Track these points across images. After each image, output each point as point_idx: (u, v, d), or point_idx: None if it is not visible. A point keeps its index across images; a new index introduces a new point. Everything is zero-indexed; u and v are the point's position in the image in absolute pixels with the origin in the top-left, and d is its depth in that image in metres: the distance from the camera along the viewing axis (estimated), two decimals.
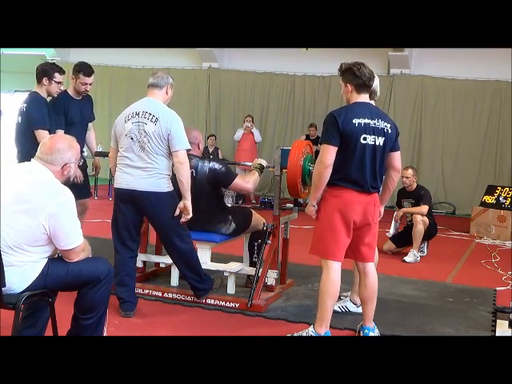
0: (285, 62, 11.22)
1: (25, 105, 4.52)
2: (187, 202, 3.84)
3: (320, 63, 10.76)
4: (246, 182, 4.32)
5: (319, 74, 11.16)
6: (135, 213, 3.94)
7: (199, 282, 4.12)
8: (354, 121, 3.28)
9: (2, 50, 12.27)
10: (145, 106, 3.86)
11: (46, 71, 4.54)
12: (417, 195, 6.39)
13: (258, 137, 10.37)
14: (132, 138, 3.81)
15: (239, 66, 11.74)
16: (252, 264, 4.52)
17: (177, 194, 3.94)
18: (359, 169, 3.32)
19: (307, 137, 9.86)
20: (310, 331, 3.43)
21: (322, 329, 3.40)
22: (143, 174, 3.81)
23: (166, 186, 3.86)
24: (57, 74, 4.55)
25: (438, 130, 10.69)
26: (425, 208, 6.26)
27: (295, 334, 3.51)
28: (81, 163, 4.38)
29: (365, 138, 3.30)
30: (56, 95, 4.61)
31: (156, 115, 3.79)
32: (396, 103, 10.77)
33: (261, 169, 4.47)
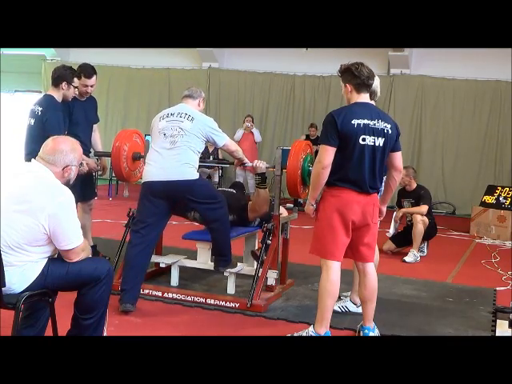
0: (285, 62, 11.21)
1: (40, 108, 4.47)
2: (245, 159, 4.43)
3: (320, 63, 10.75)
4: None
5: (319, 74, 11.15)
6: (165, 206, 4.07)
7: (224, 255, 4.26)
8: (353, 121, 3.28)
9: (2, 49, 12.27)
10: (180, 109, 4.15)
11: (66, 76, 4.50)
12: (416, 195, 6.39)
13: (258, 137, 10.36)
14: (165, 134, 4.03)
15: (239, 66, 11.73)
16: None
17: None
18: (358, 169, 3.32)
19: (307, 137, 9.85)
20: (310, 331, 3.43)
21: (322, 329, 3.40)
22: (174, 164, 3.97)
23: (195, 174, 4.05)
24: (75, 79, 4.54)
25: (437, 129, 10.69)
26: (424, 208, 6.27)
27: (295, 334, 3.51)
28: (83, 166, 4.38)
29: (364, 139, 3.30)
30: (70, 99, 4.60)
31: (192, 115, 4.08)
32: (396, 103, 10.76)
33: (263, 180, 4.47)
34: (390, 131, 3.38)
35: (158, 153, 4.03)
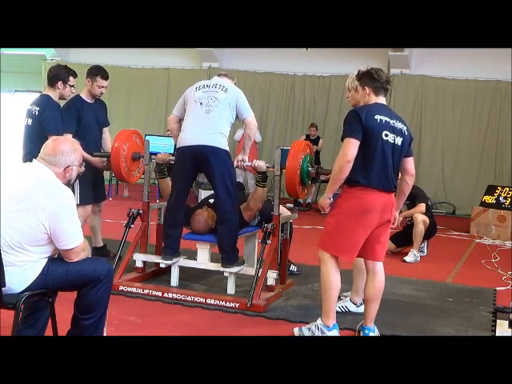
0: (285, 62, 11.21)
1: (37, 108, 4.48)
2: (245, 158, 4.54)
3: (320, 63, 10.77)
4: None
5: (319, 74, 11.16)
6: (192, 170, 4.37)
7: (229, 252, 4.33)
8: (375, 117, 3.31)
9: (2, 49, 12.27)
10: (215, 81, 4.44)
11: (62, 75, 4.52)
12: (410, 195, 6.34)
13: (257, 137, 10.34)
14: (201, 103, 4.29)
15: (239, 66, 11.73)
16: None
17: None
18: (382, 166, 3.33)
19: (307, 137, 9.84)
20: (318, 323, 3.44)
21: (330, 321, 3.42)
22: (206, 132, 4.20)
23: (225, 145, 4.27)
24: (71, 78, 4.55)
25: (437, 129, 10.69)
26: (422, 206, 6.25)
27: (303, 328, 3.52)
28: (83, 167, 4.39)
29: (386, 135, 3.32)
30: (68, 98, 4.61)
31: (226, 87, 4.37)
32: (396, 103, 10.74)
33: (264, 179, 4.47)
34: (406, 133, 3.44)
35: (192, 120, 4.28)
